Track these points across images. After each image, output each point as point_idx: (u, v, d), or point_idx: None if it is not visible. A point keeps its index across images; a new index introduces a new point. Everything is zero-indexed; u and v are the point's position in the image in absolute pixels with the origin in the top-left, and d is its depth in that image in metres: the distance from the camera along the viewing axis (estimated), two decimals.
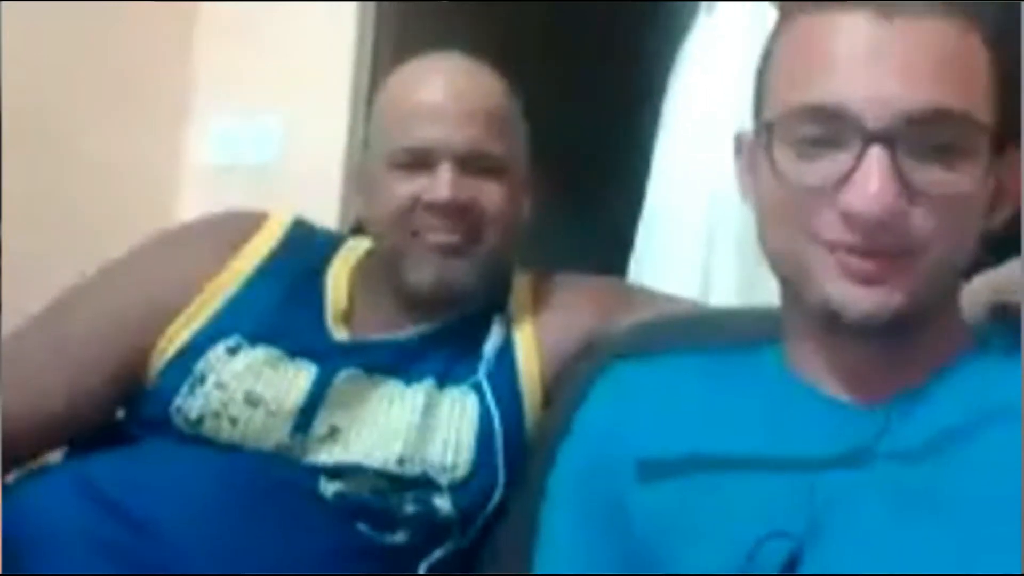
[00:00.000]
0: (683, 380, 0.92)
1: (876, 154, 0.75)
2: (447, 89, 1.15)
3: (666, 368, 0.95)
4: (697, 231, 1.76)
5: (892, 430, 0.80)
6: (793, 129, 0.79)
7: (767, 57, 0.84)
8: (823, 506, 0.78)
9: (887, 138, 0.75)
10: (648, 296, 1.30)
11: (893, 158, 0.75)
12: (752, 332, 0.97)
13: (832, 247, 0.78)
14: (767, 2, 1.79)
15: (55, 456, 1.18)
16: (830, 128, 0.77)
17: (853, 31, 0.77)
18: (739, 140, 0.89)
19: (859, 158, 0.75)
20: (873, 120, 0.75)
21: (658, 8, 2.02)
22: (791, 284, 0.84)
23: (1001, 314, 0.93)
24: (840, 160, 0.77)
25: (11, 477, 1.15)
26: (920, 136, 0.76)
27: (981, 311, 0.92)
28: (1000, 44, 0.81)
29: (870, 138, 0.75)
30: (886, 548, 0.76)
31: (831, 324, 0.80)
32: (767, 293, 1.63)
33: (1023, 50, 0.79)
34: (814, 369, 0.85)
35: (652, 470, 0.86)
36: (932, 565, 0.74)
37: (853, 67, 0.77)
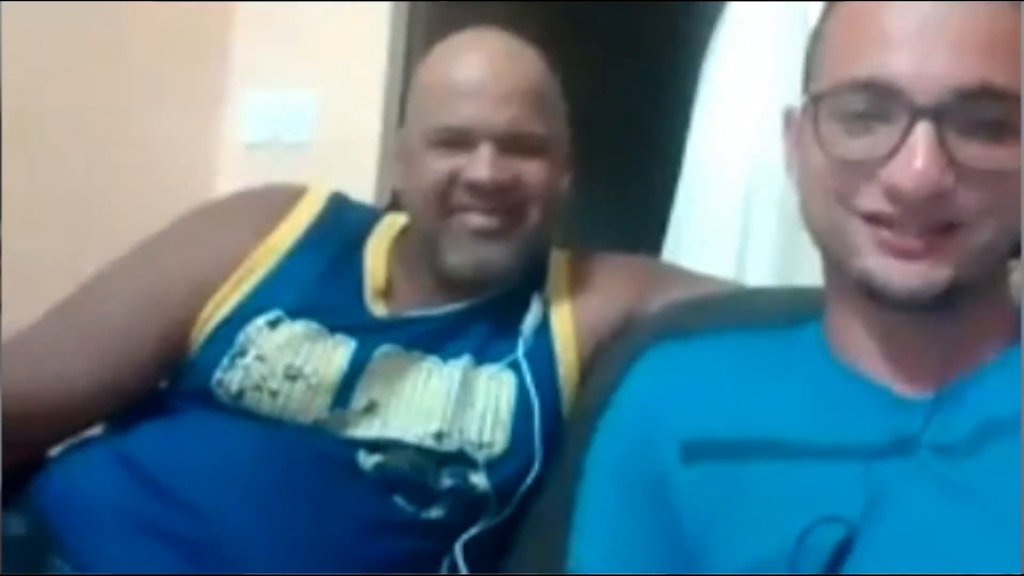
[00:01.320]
0: (723, 360, 0.92)
1: (923, 129, 0.75)
2: (487, 67, 1.15)
3: (705, 348, 0.94)
4: (732, 211, 1.75)
5: (938, 421, 0.80)
6: (841, 102, 0.79)
7: (817, 34, 0.84)
8: (876, 494, 0.78)
9: (934, 113, 0.75)
10: (684, 276, 1.30)
11: (940, 134, 0.75)
12: (790, 311, 0.97)
13: (874, 220, 0.78)
14: None
15: (96, 429, 1.19)
16: (877, 102, 0.77)
17: (902, 7, 0.77)
18: (788, 115, 0.89)
19: (906, 133, 0.75)
20: (920, 95, 0.75)
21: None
22: (833, 259, 0.83)
23: None
24: (886, 134, 0.76)
25: (55, 451, 1.17)
26: (967, 112, 0.75)
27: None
28: None
29: (917, 113, 0.75)
30: (935, 539, 0.75)
31: (873, 300, 0.80)
32: (803, 274, 1.64)
33: (1023, 50, 0.78)
34: (858, 351, 0.85)
35: (697, 451, 0.86)
36: (977, 559, 0.73)
37: (902, 43, 0.77)
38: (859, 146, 0.78)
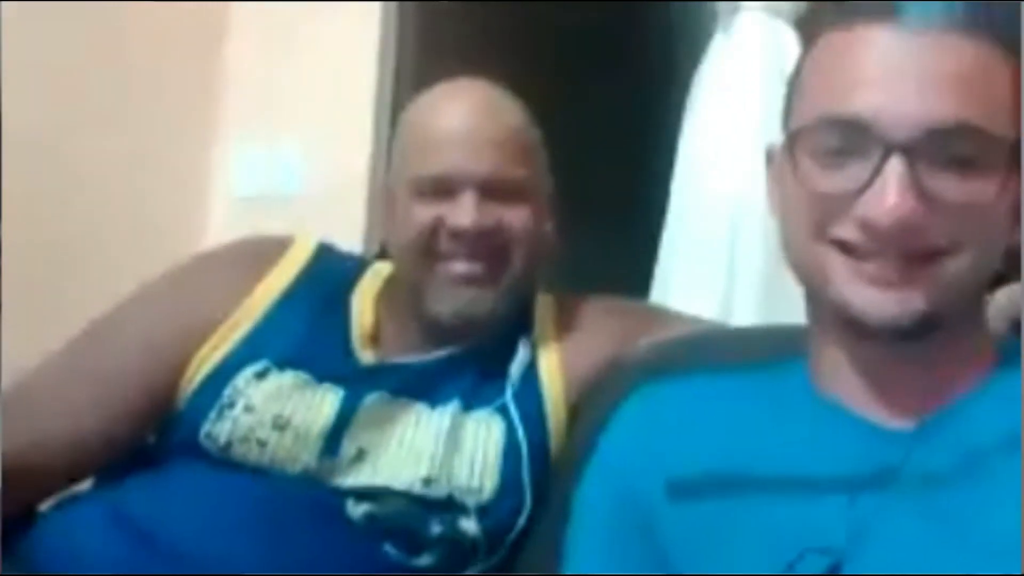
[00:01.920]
0: (708, 399, 0.92)
1: (895, 164, 0.76)
2: (467, 116, 1.16)
3: (691, 388, 0.95)
4: (718, 251, 1.77)
5: (922, 451, 0.80)
6: (816, 139, 0.80)
7: (796, 72, 0.86)
8: (859, 526, 0.78)
9: (907, 149, 0.76)
10: (671, 317, 1.31)
11: (912, 169, 0.76)
12: (775, 349, 0.97)
13: (849, 250, 0.79)
14: (783, 22, 1.81)
15: (85, 483, 1.19)
16: (851, 139, 0.78)
17: (876, 46, 0.79)
18: (769, 152, 0.91)
19: (878, 168, 0.77)
20: (893, 131, 0.77)
21: (674, 28, 2.03)
22: (812, 291, 0.85)
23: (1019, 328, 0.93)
24: (860, 169, 0.78)
25: (44, 506, 1.16)
26: (939, 148, 0.77)
27: (1003, 325, 0.92)
28: (1020, 60, 0.81)
29: (890, 149, 0.76)
30: (920, 569, 0.75)
31: (853, 330, 0.81)
32: (789, 313, 1.64)
33: (1023, 51, 0.80)
34: (840, 384, 0.85)
35: (683, 489, 0.86)
36: None
37: (875, 80, 0.78)
38: (834, 181, 0.79)
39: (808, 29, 0.88)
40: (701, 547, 0.84)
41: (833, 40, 0.82)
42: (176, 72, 2.16)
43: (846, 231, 0.79)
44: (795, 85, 0.86)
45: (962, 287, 0.81)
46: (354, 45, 2.16)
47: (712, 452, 0.87)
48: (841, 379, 0.85)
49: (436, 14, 2.29)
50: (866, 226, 0.78)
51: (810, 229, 0.81)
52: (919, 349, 0.81)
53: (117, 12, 2.00)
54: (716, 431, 0.89)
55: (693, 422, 0.90)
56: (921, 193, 0.76)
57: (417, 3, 2.25)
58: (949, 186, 0.77)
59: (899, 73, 0.78)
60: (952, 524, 0.77)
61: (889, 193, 0.76)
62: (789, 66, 1.78)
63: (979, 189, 0.78)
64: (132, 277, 1.24)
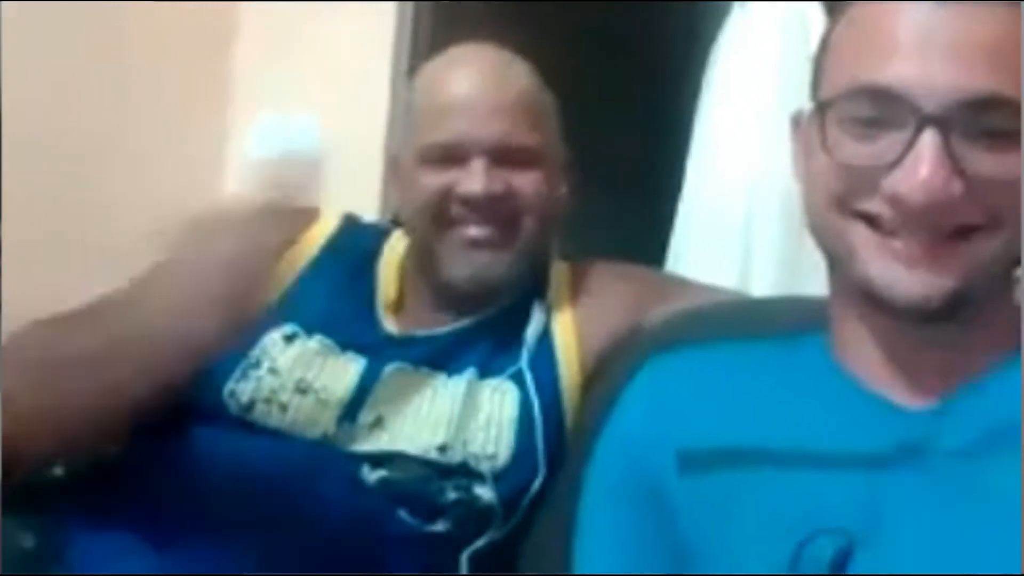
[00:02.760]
0: (724, 371, 0.92)
1: (929, 137, 0.75)
2: (477, 82, 1.16)
3: (706, 359, 0.94)
4: (735, 221, 1.76)
5: (948, 427, 0.79)
6: (848, 108, 0.79)
7: (825, 40, 0.84)
8: (878, 504, 0.77)
9: (941, 121, 0.75)
10: (687, 286, 1.30)
11: (946, 142, 0.75)
12: (794, 322, 0.96)
13: (876, 224, 0.78)
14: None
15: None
16: (884, 109, 0.77)
17: (912, 16, 0.77)
18: (797, 119, 0.89)
19: (912, 141, 0.75)
20: (928, 103, 0.75)
21: (693, 2, 2.01)
22: (837, 265, 0.83)
23: None
24: (892, 141, 0.76)
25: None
26: (974, 121, 0.75)
27: None
28: None
29: (924, 121, 0.75)
30: (944, 548, 0.75)
31: (877, 307, 0.80)
32: (807, 283, 1.64)
33: (1023, 51, 0.79)
34: (862, 359, 0.84)
35: (693, 461, 0.86)
36: (990, 565, 0.73)
37: (910, 51, 0.77)
38: (865, 152, 0.78)
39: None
40: (711, 519, 0.84)
41: (866, 9, 0.81)
42: (193, 42, 2.16)
43: (873, 205, 0.78)
44: (825, 53, 0.84)
45: (992, 266, 0.79)
46: (373, 14, 2.15)
47: (725, 425, 0.87)
48: (862, 355, 0.84)
49: None
50: (896, 201, 0.76)
51: (836, 201, 0.80)
52: (944, 329, 0.80)
53: None
54: (730, 403, 0.88)
55: (706, 394, 0.90)
56: (955, 167, 0.75)
57: None
58: (982, 160, 0.76)
59: (933, 44, 0.76)
60: (979, 499, 0.76)
61: (923, 167, 0.74)
62: (808, 39, 1.80)
63: (1012, 163, 0.76)
64: (145, 254, 1.23)
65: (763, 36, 1.81)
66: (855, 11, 0.82)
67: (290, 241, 1.19)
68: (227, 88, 2.22)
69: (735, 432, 0.86)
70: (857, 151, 0.78)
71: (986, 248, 0.78)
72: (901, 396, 0.82)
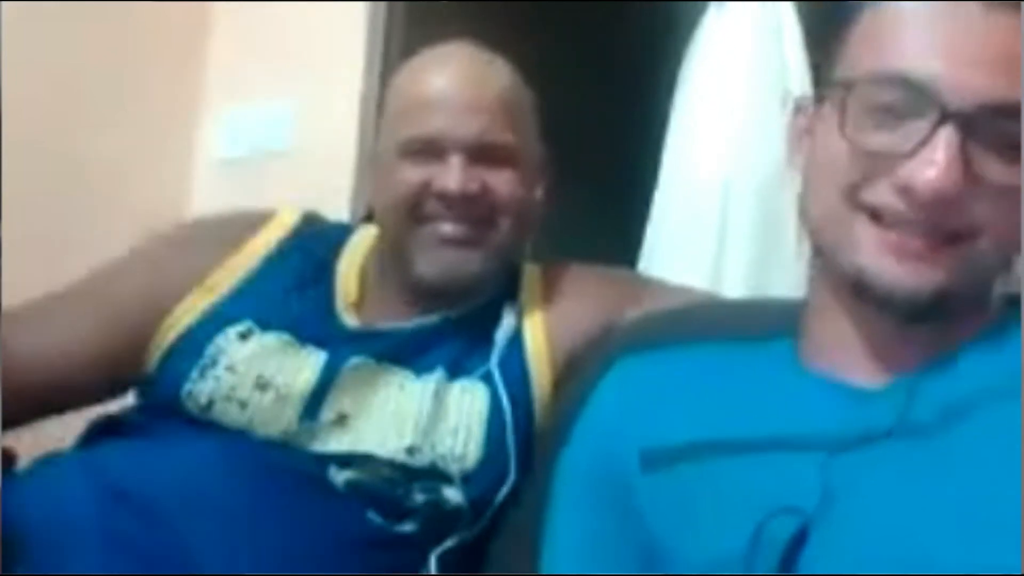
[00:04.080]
0: (690, 371, 0.92)
1: (948, 133, 0.76)
2: (458, 79, 1.16)
3: (673, 360, 0.95)
4: (708, 222, 1.76)
5: (906, 407, 0.80)
6: (873, 92, 0.79)
7: (846, 20, 0.84)
8: (834, 484, 0.77)
9: (963, 120, 0.76)
10: (659, 287, 1.30)
11: (964, 141, 0.76)
12: (763, 324, 0.97)
13: (879, 219, 0.78)
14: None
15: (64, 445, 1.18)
16: (909, 99, 0.78)
17: (948, 17, 0.78)
18: (800, 103, 0.89)
19: (931, 134, 0.76)
20: (953, 99, 0.76)
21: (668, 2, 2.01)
22: (827, 252, 0.84)
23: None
24: (912, 131, 0.77)
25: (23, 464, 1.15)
26: (992, 125, 0.77)
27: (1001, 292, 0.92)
28: None
29: (945, 116, 0.76)
30: (898, 523, 0.75)
31: (860, 297, 0.81)
32: (778, 283, 1.64)
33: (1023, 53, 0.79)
34: (836, 354, 0.85)
35: (656, 458, 0.86)
36: (946, 538, 0.73)
37: (943, 48, 0.78)
38: (883, 139, 0.78)
39: None
40: (674, 513, 0.84)
41: (899, 4, 0.81)
42: (164, 31, 2.14)
43: (881, 195, 0.78)
44: (846, 33, 0.83)
45: (981, 271, 0.81)
46: (345, 3, 2.13)
47: (688, 423, 0.87)
48: (834, 347, 0.85)
49: None
50: (906, 191, 0.77)
51: (843, 188, 0.80)
52: (927, 323, 0.81)
53: None
54: (694, 403, 0.88)
55: (671, 393, 0.90)
56: (967, 168, 0.76)
57: None
58: (995, 168, 0.77)
59: (965, 46, 0.77)
60: (938, 475, 0.76)
61: (937, 160, 0.75)
62: (781, 39, 1.79)
63: (1018, 174, 0.77)
64: (118, 238, 1.23)
65: (738, 35, 1.81)
66: (886, 4, 0.82)
67: (242, 238, 1.19)
68: (200, 82, 2.21)
69: (697, 429, 0.86)
70: (876, 136, 0.79)
71: (979, 253, 0.79)
72: (868, 381, 0.83)
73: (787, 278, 1.64)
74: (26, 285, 1.36)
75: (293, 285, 1.17)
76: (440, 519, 1.11)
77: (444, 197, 1.13)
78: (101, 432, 1.15)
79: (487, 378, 1.14)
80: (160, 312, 1.14)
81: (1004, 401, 0.78)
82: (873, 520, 0.76)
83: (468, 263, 1.15)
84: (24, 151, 1.81)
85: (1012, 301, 0.92)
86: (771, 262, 1.68)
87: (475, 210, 1.14)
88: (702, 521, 0.82)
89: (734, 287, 1.69)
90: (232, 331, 1.13)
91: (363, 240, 1.24)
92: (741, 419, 0.85)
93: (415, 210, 1.14)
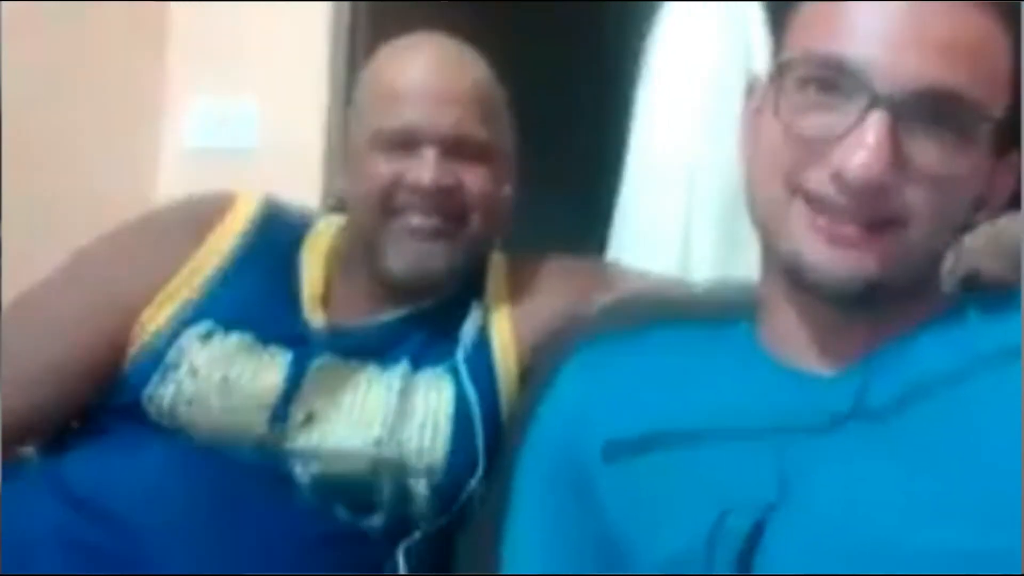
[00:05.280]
0: (650, 357, 0.92)
1: (878, 118, 0.75)
2: (432, 71, 1.15)
3: (634, 346, 0.94)
4: (675, 207, 1.77)
5: (861, 392, 0.80)
6: (805, 73, 0.79)
7: (790, 12, 0.84)
8: (792, 472, 0.78)
9: (893, 105, 0.75)
10: (626, 275, 1.30)
11: (894, 126, 0.75)
12: (725, 308, 0.97)
13: (815, 204, 0.78)
14: None
15: (27, 451, 1.17)
16: (841, 82, 0.77)
17: (883, 2, 0.78)
18: (751, 83, 0.89)
19: (861, 118, 0.76)
20: (882, 85, 0.76)
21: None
22: (768, 240, 0.84)
23: (971, 281, 0.93)
24: (843, 116, 0.77)
25: None
26: (925, 112, 0.76)
27: (955, 279, 0.92)
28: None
29: (875, 100, 0.76)
30: (856, 510, 0.76)
31: (801, 285, 0.81)
32: (745, 268, 1.64)
33: (1023, 51, 0.80)
34: (786, 339, 0.85)
35: (616, 450, 0.86)
36: (905, 523, 0.74)
37: (877, 32, 0.77)
38: (815, 123, 0.78)
39: None
40: (635, 505, 0.84)
41: None
42: (127, 24, 2.12)
43: (814, 182, 0.78)
44: (790, 17, 0.84)
45: (918, 258, 0.81)
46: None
47: (647, 411, 0.87)
48: (786, 332, 0.85)
49: None
50: (837, 178, 0.77)
51: (781, 174, 0.80)
52: (864, 311, 0.81)
53: None
54: (652, 389, 0.88)
55: (631, 381, 0.90)
56: (898, 154, 0.76)
57: None
58: (927, 155, 0.76)
59: (898, 31, 0.77)
60: (897, 457, 0.77)
61: (867, 143, 0.75)
62: (746, 30, 1.79)
63: (955, 163, 0.77)
64: (83, 231, 1.21)
65: (702, 20, 1.82)
66: None
67: (203, 234, 1.17)
68: (165, 75, 2.19)
69: (656, 417, 0.86)
70: (808, 120, 0.78)
71: (915, 239, 0.79)
72: (821, 369, 0.83)
73: (754, 261, 1.64)
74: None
75: (256, 281, 1.16)
76: (407, 512, 1.11)
77: (417, 190, 1.12)
78: (63, 434, 1.14)
79: (453, 371, 1.14)
80: (132, 315, 1.13)
81: (960, 384, 0.78)
82: (831, 507, 0.76)
83: (437, 256, 1.14)
84: None
85: (968, 283, 0.93)
86: (737, 245, 1.68)
87: (447, 204, 1.13)
88: (662, 514, 0.83)
89: (701, 271, 1.70)
90: (193, 332, 1.11)
91: (326, 230, 1.23)
92: (700, 407, 0.85)
93: (387, 203, 1.13)
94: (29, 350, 1.13)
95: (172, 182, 2.12)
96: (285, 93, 2.12)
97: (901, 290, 0.81)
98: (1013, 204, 0.90)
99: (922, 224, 0.78)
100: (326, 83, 2.10)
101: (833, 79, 0.78)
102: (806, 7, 0.83)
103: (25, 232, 1.84)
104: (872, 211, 0.77)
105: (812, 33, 0.80)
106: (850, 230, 0.77)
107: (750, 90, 0.89)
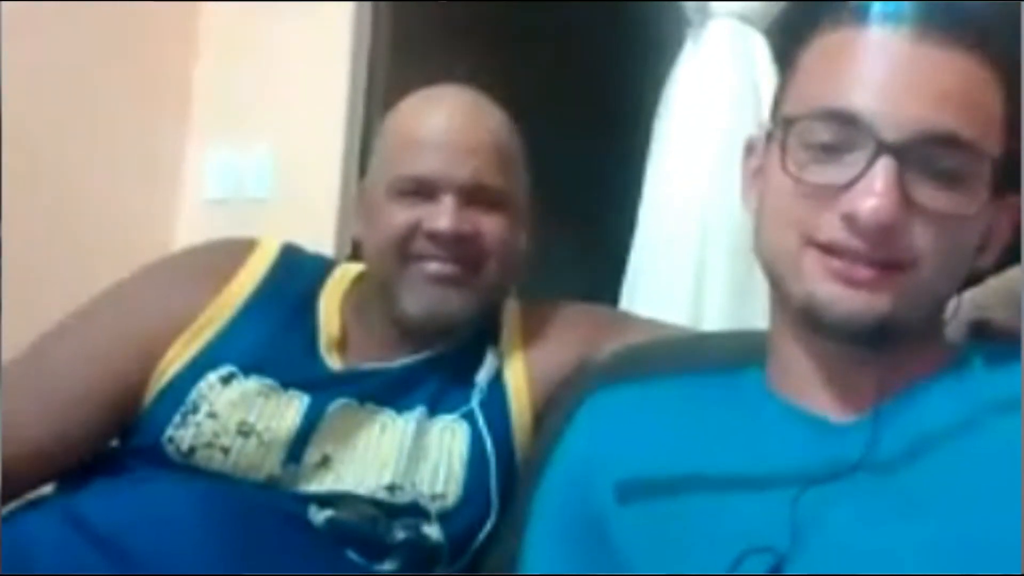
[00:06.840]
0: (663, 403, 0.93)
1: (884, 164, 0.78)
2: (452, 121, 1.17)
3: (647, 392, 0.96)
4: (688, 255, 1.77)
5: (872, 441, 0.81)
6: (810, 129, 0.82)
7: (793, 63, 0.87)
8: (805, 521, 0.79)
9: (898, 151, 0.78)
10: (638, 323, 1.31)
11: (900, 172, 0.78)
12: (736, 355, 0.98)
13: (827, 249, 0.80)
14: (753, 30, 1.82)
15: (47, 488, 1.18)
16: (845, 133, 0.80)
17: (883, 48, 0.81)
18: (750, 143, 0.91)
19: (868, 166, 0.78)
20: (888, 131, 0.78)
21: (647, 35, 2.04)
22: (779, 286, 0.85)
23: (980, 331, 0.94)
24: (850, 164, 0.79)
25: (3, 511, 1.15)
26: (929, 156, 0.79)
27: (962, 327, 0.94)
28: (1018, 94, 0.83)
29: (881, 148, 0.78)
30: (866, 559, 0.76)
31: (813, 324, 0.82)
32: (758, 312, 1.65)
33: (1023, 52, 0.82)
34: (796, 382, 0.86)
35: (630, 491, 0.87)
36: (914, 570, 0.74)
37: (877, 80, 0.80)
38: (822, 173, 0.81)
39: (805, 26, 0.88)
40: (649, 549, 0.85)
41: (836, 38, 0.83)
42: (147, 75, 2.16)
43: (829, 231, 0.80)
44: (791, 75, 0.87)
45: (927, 298, 0.83)
46: (327, 47, 2.16)
47: (661, 454, 0.88)
48: (797, 377, 0.86)
49: (410, 15, 2.29)
50: (849, 220, 0.79)
51: (792, 224, 0.82)
52: (874, 351, 0.82)
53: (85, 15, 1.99)
54: (666, 434, 0.90)
55: (644, 426, 0.91)
56: (905, 197, 0.78)
57: (390, 3, 2.25)
58: (933, 196, 0.79)
59: (901, 79, 0.80)
60: (906, 508, 0.78)
61: (876, 190, 0.77)
62: (758, 74, 1.81)
63: (961, 204, 0.80)
64: (102, 282, 1.22)
65: (715, 70, 1.84)
66: (828, 39, 0.84)
67: (225, 277, 1.19)
68: (186, 125, 2.22)
69: (671, 462, 0.87)
70: (815, 171, 0.81)
71: (924, 279, 0.81)
72: (833, 415, 0.85)
73: (766, 308, 1.65)
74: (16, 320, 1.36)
75: (275, 325, 1.17)
76: (420, 558, 1.11)
77: (435, 237, 1.14)
78: (82, 473, 1.14)
79: (468, 417, 1.15)
80: (153, 358, 1.14)
81: (965, 435, 0.80)
82: (843, 556, 0.77)
83: (454, 303, 1.15)
84: (12, 187, 1.82)
85: (977, 332, 0.94)
86: (750, 293, 1.69)
87: (465, 251, 1.15)
88: (676, 558, 0.83)
89: (714, 319, 1.71)
90: (214, 376, 1.12)
91: (345, 275, 1.25)
92: (714, 453, 0.86)
93: (404, 250, 1.15)
94: (49, 387, 1.14)
95: (190, 233, 2.14)
96: (301, 142, 2.15)
97: (910, 331, 0.82)
98: (1012, 251, 0.91)
99: (931, 263, 0.80)
100: (342, 132, 2.12)
101: (839, 130, 0.80)
102: (807, 62, 0.85)
103: (46, 282, 1.87)
104: (885, 252, 0.79)
105: (815, 88, 0.83)
106: (865, 272, 0.80)
107: (749, 148, 0.91)
